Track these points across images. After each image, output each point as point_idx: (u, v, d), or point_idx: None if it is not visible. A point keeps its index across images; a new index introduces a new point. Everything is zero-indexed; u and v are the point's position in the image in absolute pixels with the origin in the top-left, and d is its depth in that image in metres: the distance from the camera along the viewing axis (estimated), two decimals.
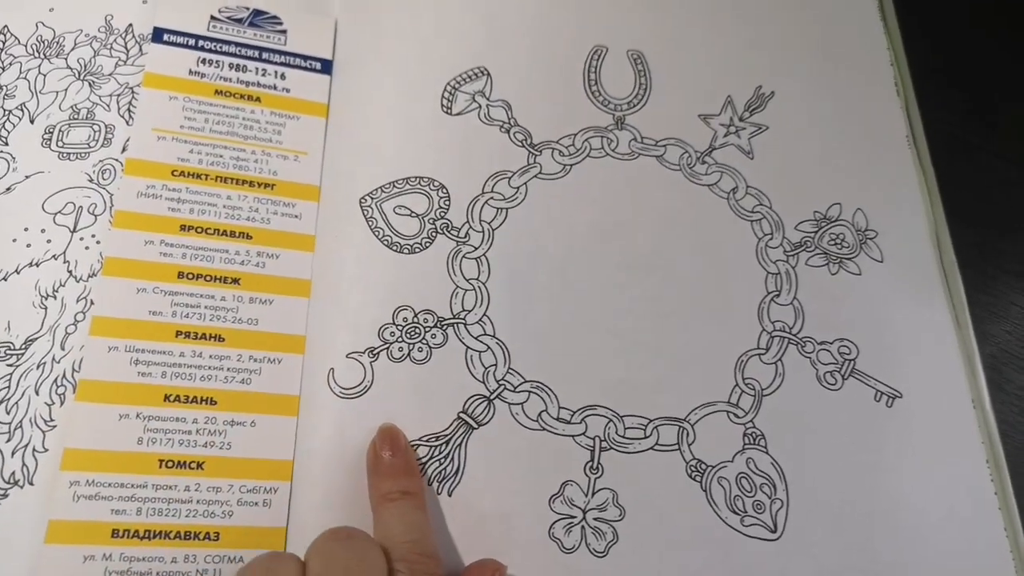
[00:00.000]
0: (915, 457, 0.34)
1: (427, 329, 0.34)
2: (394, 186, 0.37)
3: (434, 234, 0.36)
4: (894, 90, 0.40)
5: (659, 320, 0.35)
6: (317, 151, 0.38)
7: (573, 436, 0.33)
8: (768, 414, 0.34)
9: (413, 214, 0.36)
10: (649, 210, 0.37)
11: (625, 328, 0.35)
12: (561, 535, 0.32)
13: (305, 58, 0.39)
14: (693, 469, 0.33)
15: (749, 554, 0.32)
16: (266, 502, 0.31)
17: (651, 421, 0.34)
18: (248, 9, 0.39)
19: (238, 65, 0.38)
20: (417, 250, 0.36)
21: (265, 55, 0.39)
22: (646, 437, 0.33)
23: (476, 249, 0.36)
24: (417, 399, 0.33)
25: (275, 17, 0.40)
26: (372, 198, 0.36)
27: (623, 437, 0.33)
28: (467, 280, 0.35)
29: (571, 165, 0.38)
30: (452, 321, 0.35)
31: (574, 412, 0.34)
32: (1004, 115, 0.41)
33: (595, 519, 0.32)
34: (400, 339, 0.34)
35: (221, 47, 0.39)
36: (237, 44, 0.39)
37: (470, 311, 0.35)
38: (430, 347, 0.34)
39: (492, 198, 0.37)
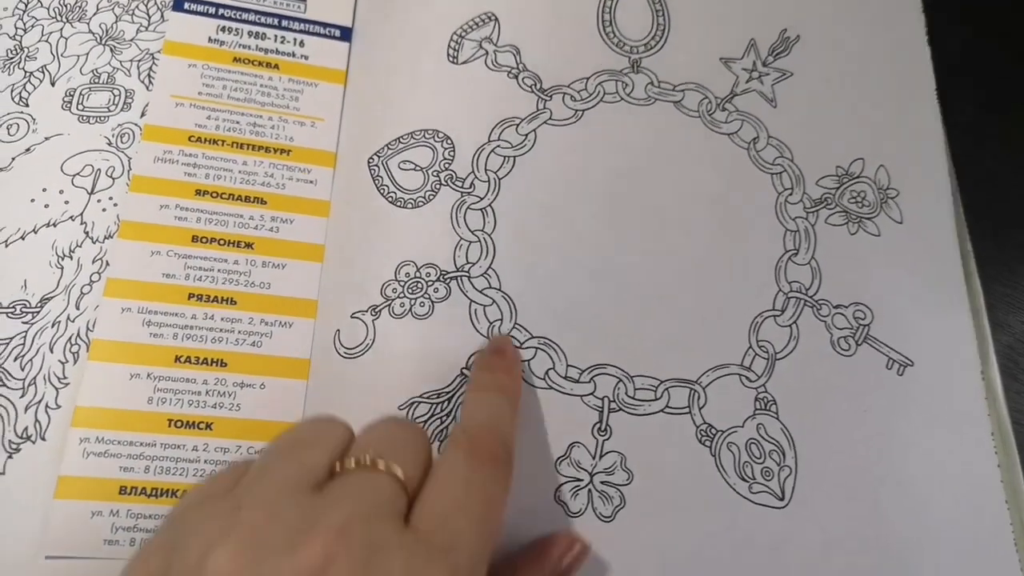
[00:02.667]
0: (922, 427, 0.30)
1: (430, 283, 0.32)
2: (399, 142, 0.34)
3: (438, 186, 0.33)
4: (924, 40, 0.35)
5: (673, 276, 0.32)
6: (334, 117, 0.35)
7: (581, 396, 0.30)
8: (780, 379, 0.31)
9: (417, 167, 0.33)
10: (665, 159, 0.33)
11: (637, 283, 0.32)
12: (567, 498, 0.29)
13: (324, 25, 0.36)
14: (703, 434, 0.30)
15: (756, 521, 0.29)
16: None
17: (662, 382, 0.31)
18: None
19: (257, 33, 0.36)
20: (421, 203, 0.33)
21: (284, 23, 0.36)
22: (656, 399, 0.30)
23: (481, 200, 0.33)
24: (419, 355, 0.31)
25: None
26: (379, 156, 0.33)
27: (633, 399, 0.30)
28: (472, 232, 0.32)
29: (583, 111, 0.34)
30: (456, 274, 0.32)
31: (582, 371, 0.31)
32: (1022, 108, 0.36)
33: (602, 483, 0.29)
34: (402, 295, 0.31)
35: (241, 15, 0.36)
36: (256, 12, 0.36)
37: (475, 263, 0.32)
38: (432, 302, 0.31)
39: (499, 146, 0.33)
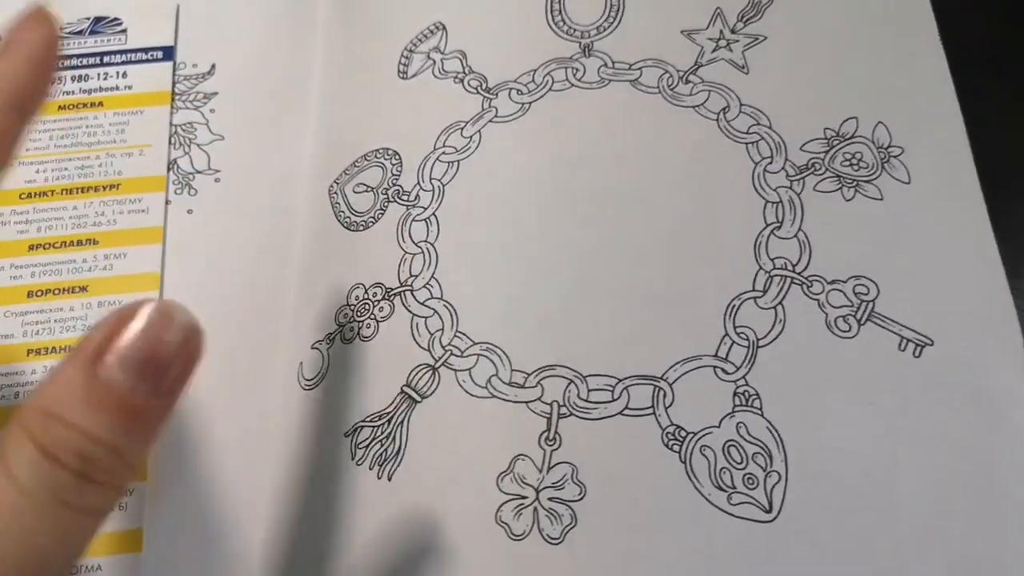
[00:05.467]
0: (948, 419, 0.25)
1: (375, 303, 0.30)
2: (355, 166, 0.33)
3: (386, 204, 0.31)
4: None
5: (633, 261, 0.28)
6: (162, 141, 0.35)
7: (527, 402, 0.27)
8: (764, 369, 0.26)
9: (368, 188, 0.32)
10: (621, 140, 0.30)
11: (591, 273, 0.28)
12: (509, 519, 0.25)
13: (146, 51, 0.36)
14: (670, 437, 0.26)
15: (737, 538, 0.24)
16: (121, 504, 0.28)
17: (620, 381, 0.27)
18: (88, 19, 0.37)
19: (80, 76, 0.36)
20: (370, 224, 0.31)
21: (106, 58, 0.36)
22: (614, 400, 0.26)
23: (425, 210, 0.31)
24: (364, 378, 0.29)
25: (116, 19, 0.37)
26: (337, 183, 0.33)
27: (586, 401, 0.27)
28: (416, 244, 0.30)
29: (530, 103, 0.32)
30: (400, 289, 0.30)
31: (528, 375, 0.27)
32: (998, 116, 0.31)
33: (550, 499, 0.26)
34: (352, 319, 0.30)
35: (63, 63, 0.37)
36: (79, 56, 0.37)
37: (417, 276, 0.30)
38: (377, 322, 0.29)
39: (444, 153, 0.31)
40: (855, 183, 0.28)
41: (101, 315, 0.29)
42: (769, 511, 0.24)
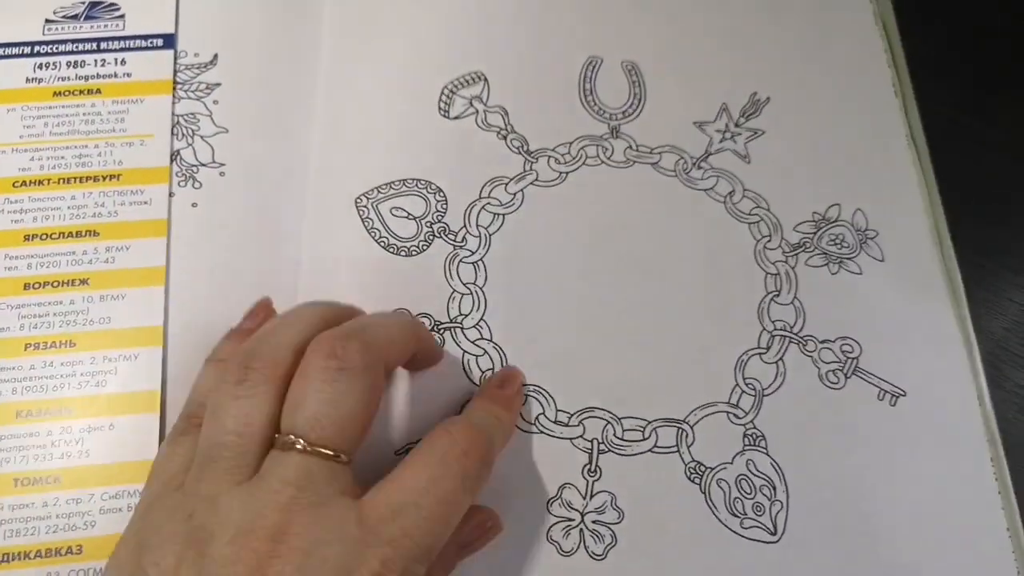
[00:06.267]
0: (918, 457, 0.31)
1: None
2: (391, 187, 0.36)
3: (431, 237, 0.35)
4: (892, 91, 0.37)
5: (657, 321, 0.33)
6: (164, 131, 0.34)
7: (571, 439, 0.31)
8: (769, 414, 0.32)
9: (410, 216, 0.35)
10: (646, 215, 0.35)
11: (623, 330, 0.33)
12: (559, 538, 0.30)
13: (145, 37, 0.35)
14: (692, 471, 0.31)
15: (748, 557, 0.29)
16: (131, 507, 0.29)
17: (650, 423, 0.31)
18: (84, 3, 0.36)
19: (76, 62, 0.35)
20: (414, 253, 0.35)
21: (104, 44, 0.35)
22: (645, 439, 0.31)
23: (473, 254, 0.35)
24: (415, 402, 0.32)
25: (112, 4, 0.36)
26: (367, 198, 0.35)
27: (621, 439, 0.31)
28: (464, 284, 0.34)
29: (567, 173, 0.36)
30: (449, 325, 0.33)
31: (572, 415, 0.32)
32: (1003, 110, 0.38)
33: (593, 522, 0.30)
34: None
35: (58, 47, 0.35)
36: (74, 40, 0.35)
37: (467, 315, 0.33)
38: None
39: (489, 203, 0.36)
40: (839, 260, 0.34)
41: (103, 309, 0.31)
42: (774, 534, 0.30)
